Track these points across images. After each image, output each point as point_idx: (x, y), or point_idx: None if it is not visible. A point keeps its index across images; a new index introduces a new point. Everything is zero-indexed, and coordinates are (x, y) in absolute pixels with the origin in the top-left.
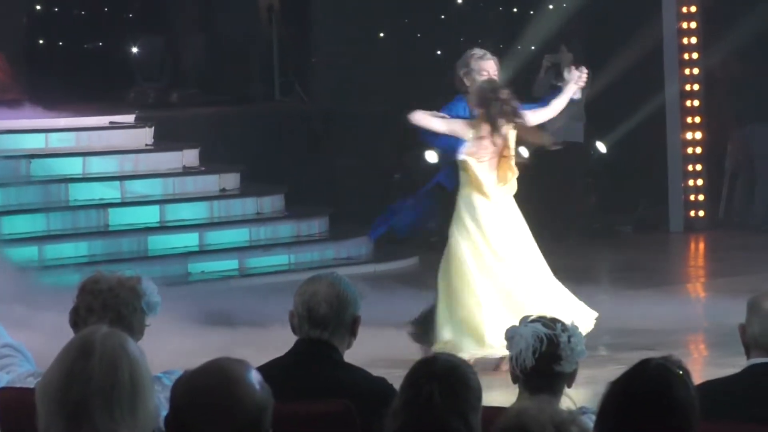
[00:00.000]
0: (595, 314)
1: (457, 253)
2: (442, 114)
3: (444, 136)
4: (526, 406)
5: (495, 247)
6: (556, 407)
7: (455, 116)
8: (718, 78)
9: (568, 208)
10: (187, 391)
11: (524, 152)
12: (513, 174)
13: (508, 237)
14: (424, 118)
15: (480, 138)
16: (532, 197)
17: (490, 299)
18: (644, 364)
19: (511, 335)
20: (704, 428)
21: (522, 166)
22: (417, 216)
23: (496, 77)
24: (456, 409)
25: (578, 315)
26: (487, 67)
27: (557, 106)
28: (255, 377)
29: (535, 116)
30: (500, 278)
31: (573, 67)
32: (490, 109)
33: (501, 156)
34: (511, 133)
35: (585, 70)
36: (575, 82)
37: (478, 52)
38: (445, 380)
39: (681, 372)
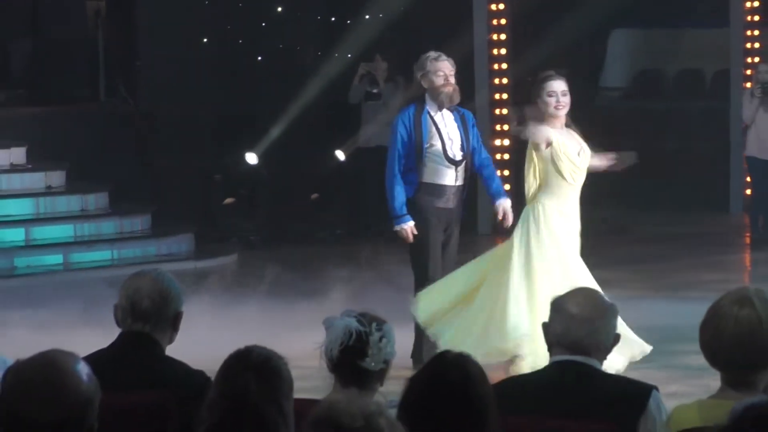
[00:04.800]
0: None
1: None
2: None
3: None
4: (338, 399)
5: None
6: (366, 400)
7: (398, 125)
8: (527, 87)
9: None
10: (16, 380)
11: None
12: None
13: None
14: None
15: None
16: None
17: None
18: (441, 356)
19: (327, 325)
20: (510, 422)
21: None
22: None
23: (451, 75)
24: (270, 397)
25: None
26: (443, 68)
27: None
28: (83, 369)
29: None
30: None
31: None
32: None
33: None
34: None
35: None
36: None
37: (432, 54)
38: (259, 371)
39: (476, 365)
